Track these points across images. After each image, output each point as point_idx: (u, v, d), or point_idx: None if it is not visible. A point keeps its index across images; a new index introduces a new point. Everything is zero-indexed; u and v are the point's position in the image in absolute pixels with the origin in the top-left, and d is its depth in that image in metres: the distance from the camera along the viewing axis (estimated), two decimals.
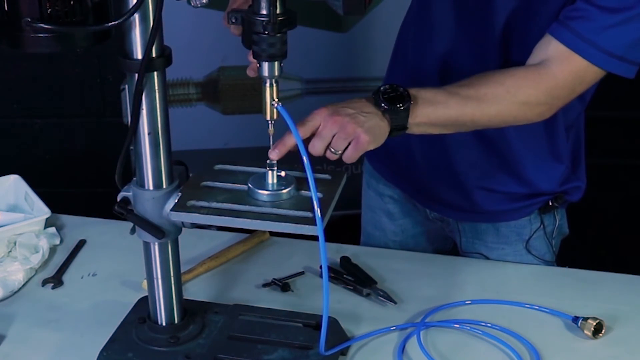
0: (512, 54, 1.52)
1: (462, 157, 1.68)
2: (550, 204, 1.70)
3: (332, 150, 1.31)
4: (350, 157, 1.32)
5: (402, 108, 1.36)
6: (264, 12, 1.23)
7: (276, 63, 1.27)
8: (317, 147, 1.31)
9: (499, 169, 1.67)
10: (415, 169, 1.75)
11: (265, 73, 1.28)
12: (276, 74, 1.28)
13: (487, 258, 1.76)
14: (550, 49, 1.43)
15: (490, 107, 1.43)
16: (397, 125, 1.37)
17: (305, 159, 1.24)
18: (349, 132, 1.31)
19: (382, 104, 1.35)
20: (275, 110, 1.29)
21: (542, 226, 1.73)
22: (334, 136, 1.31)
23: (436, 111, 1.40)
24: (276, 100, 1.29)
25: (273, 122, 1.31)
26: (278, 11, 1.22)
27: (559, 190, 1.70)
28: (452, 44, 1.58)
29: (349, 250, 1.74)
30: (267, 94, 1.29)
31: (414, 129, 1.39)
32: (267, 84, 1.28)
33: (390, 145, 1.57)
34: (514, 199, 1.70)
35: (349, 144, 1.31)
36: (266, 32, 1.23)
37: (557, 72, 1.42)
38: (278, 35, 1.24)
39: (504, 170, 1.67)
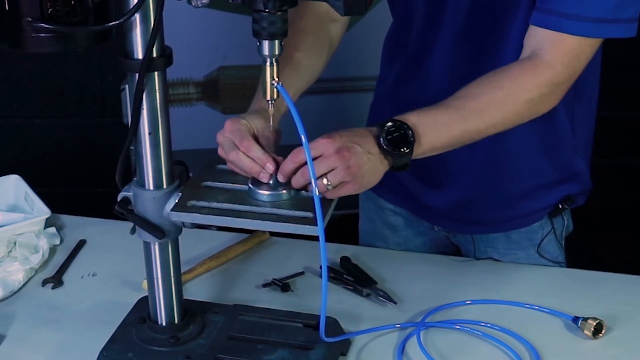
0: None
1: (461, 171, 1.66)
2: (560, 207, 1.69)
3: (327, 181, 1.27)
4: (336, 194, 1.29)
5: (406, 151, 1.32)
6: None
7: (276, 42, 1.26)
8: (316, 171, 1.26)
9: (504, 176, 1.65)
10: (419, 188, 1.73)
11: (266, 52, 1.26)
12: (276, 52, 1.27)
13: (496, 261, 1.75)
14: (538, 37, 1.39)
15: (494, 115, 1.40)
16: (399, 166, 1.34)
17: (307, 157, 1.23)
18: (351, 172, 1.27)
19: (385, 147, 1.31)
20: (275, 89, 1.29)
21: (552, 229, 1.72)
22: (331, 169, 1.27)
23: (440, 137, 1.37)
24: (276, 79, 1.28)
25: (273, 102, 1.31)
26: None
27: (564, 176, 1.67)
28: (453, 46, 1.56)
29: (349, 250, 1.74)
30: (267, 73, 1.28)
31: (416, 158, 1.36)
32: (268, 63, 1.27)
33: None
34: (522, 199, 1.68)
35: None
36: (267, 10, 1.22)
37: (552, 59, 1.38)
38: (279, 13, 1.23)
39: (508, 172, 1.65)
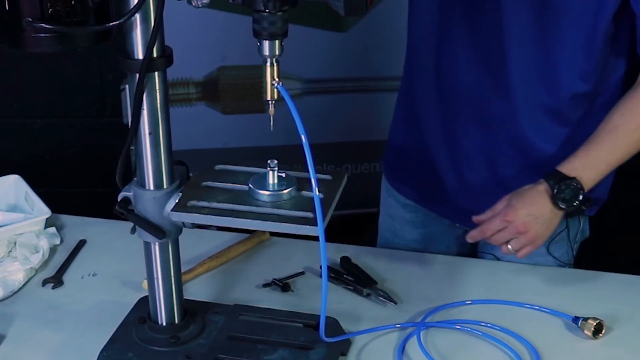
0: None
1: (489, 170, 1.69)
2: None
3: (510, 247, 1.53)
4: (523, 255, 1.54)
5: (578, 205, 1.52)
6: None
7: (277, 42, 1.25)
8: (499, 240, 1.53)
9: (531, 174, 1.65)
10: (440, 185, 1.75)
11: (266, 52, 1.26)
12: (277, 52, 1.26)
13: (497, 259, 1.76)
14: None
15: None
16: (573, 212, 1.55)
17: (308, 158, 1.23)
18: (529, 240, 1.51)
19: (561, 207, 1.51)
20: (275, 90, 1.29)
21: (566, 229, 1.73)
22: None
23: (602, 173, 1.55)
24: (277, 79, 1.28)
25: (274, 102, 1.31)
26: None
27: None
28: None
29: (349, 250, 1.74)
30: (267, 74, 1.28)
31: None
32: (268, 63, 1.27)
33: (411, 165, 1.64)
34: None
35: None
36: (267, 10, 1.21)
37: None
38: (279, 13, 1.22)
39: (535, 173, 1.65)
